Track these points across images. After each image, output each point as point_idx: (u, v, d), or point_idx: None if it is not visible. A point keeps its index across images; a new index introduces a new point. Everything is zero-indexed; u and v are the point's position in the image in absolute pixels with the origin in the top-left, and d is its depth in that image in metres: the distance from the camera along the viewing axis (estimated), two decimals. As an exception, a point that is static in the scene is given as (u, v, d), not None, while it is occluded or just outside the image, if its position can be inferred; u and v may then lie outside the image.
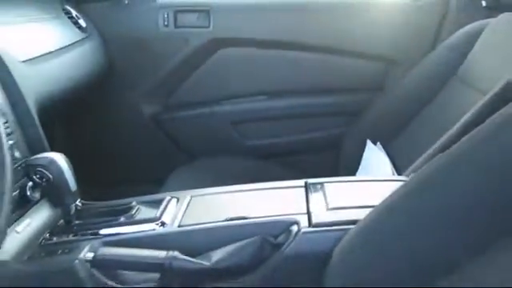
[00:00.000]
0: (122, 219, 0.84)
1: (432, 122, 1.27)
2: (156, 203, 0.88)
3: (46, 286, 0.74)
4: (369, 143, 1.41)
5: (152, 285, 0.76)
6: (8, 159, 0.61)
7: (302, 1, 1.57)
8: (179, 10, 1.54)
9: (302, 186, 0.88)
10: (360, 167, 1.39)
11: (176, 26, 1.55)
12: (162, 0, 1.56)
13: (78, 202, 0.86)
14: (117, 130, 1.63)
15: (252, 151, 1.62)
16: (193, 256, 0.74)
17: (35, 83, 1.02)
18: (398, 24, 1.53)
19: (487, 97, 0.99)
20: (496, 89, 0.98)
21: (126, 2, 1.53)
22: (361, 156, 1.40)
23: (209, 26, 1.54)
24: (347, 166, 1.45)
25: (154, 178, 1.39)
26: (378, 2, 1.53)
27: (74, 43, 1.34)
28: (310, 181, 0.89)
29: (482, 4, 1.40)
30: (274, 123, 1.64)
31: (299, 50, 1.57)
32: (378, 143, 1.39)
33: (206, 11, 1.54)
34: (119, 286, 0.76)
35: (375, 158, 1.36)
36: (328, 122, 1.60)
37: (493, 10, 1.32)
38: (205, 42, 1.55)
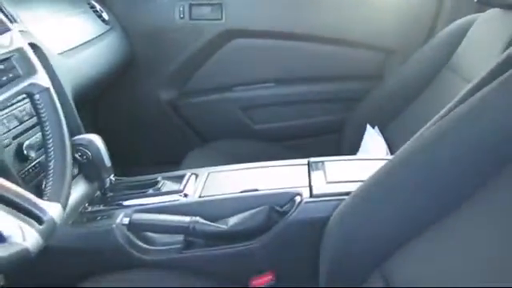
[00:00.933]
0: (150, 191, 0.94)
1: (424, 109, 1.33)
2: (178, 178, 0.98)
3: (89, 245, 0.86)
4: (368, 127, 1.47)
5: (178, 245, 0.87)
6: (67, 137, 0.73)
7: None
8: (194, 4, 1.61)
9: (305, 164, 0.97)
10: (359, 150, 1.45)
11: (191, 18, 1.61)
12: (178, -7, 1.62)
13: (111, 177, 0.97)
14: (136, 115, 1.71)
15: (260, 135, 1.69)
16: (212, 221, 0.85)
17: (70, 74, 1.12)
18: (397, 16, 1.58)
19: (477, 78, 1.06)
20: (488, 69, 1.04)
21: (145, -5, 1.60)
22: (360, 139, 1.46)
23: (221, 19, 1.61)
24: (348, 148, 1.51)
25: (170, 159, 1.46)
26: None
27: (99, 35, 1.42)
28: (313, 159, 0.98)
29: (474, -1, 1.47)
30: (281, 109, 1.69)
31: (304, 41, 1.62)
32: (376, 127, 1.45)
33: (218, 4, 1.60)
34: (150, 246, 0.87)
35: (373, 141, 1.42)
36: (330, 108, 1.66)
37: (484, 5, 1.34)
38: (217, 33, 1.62)
